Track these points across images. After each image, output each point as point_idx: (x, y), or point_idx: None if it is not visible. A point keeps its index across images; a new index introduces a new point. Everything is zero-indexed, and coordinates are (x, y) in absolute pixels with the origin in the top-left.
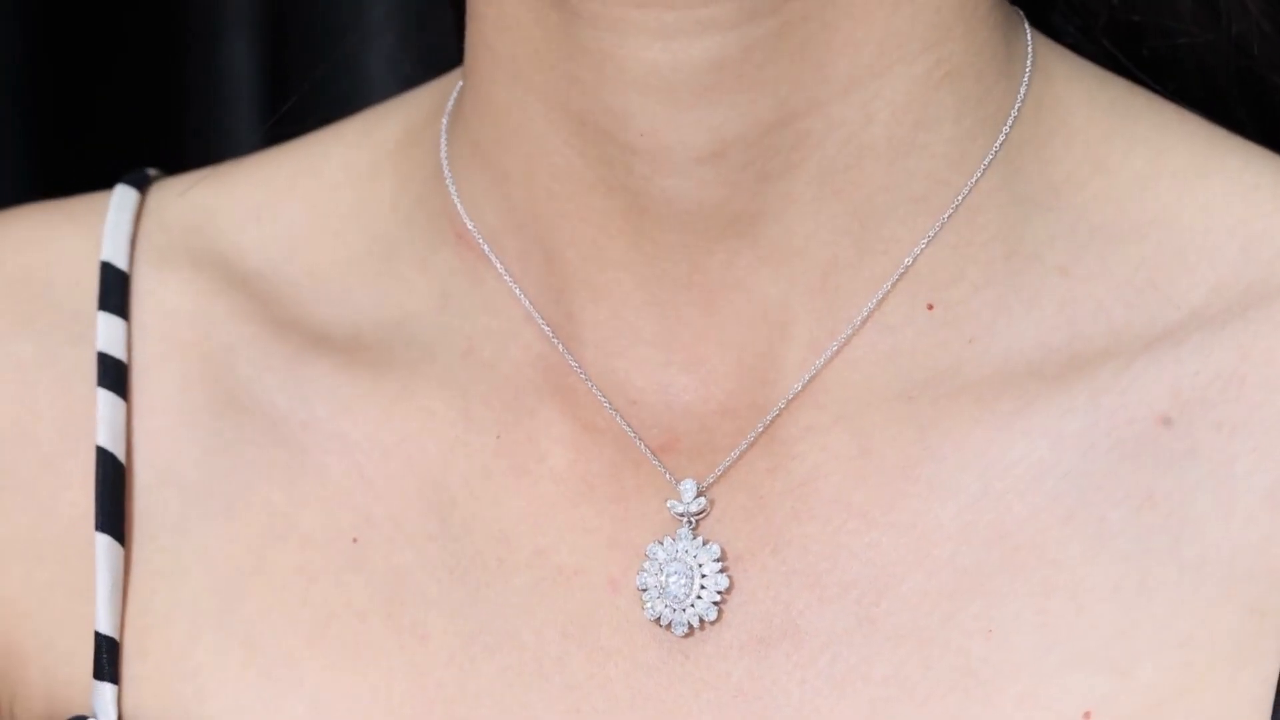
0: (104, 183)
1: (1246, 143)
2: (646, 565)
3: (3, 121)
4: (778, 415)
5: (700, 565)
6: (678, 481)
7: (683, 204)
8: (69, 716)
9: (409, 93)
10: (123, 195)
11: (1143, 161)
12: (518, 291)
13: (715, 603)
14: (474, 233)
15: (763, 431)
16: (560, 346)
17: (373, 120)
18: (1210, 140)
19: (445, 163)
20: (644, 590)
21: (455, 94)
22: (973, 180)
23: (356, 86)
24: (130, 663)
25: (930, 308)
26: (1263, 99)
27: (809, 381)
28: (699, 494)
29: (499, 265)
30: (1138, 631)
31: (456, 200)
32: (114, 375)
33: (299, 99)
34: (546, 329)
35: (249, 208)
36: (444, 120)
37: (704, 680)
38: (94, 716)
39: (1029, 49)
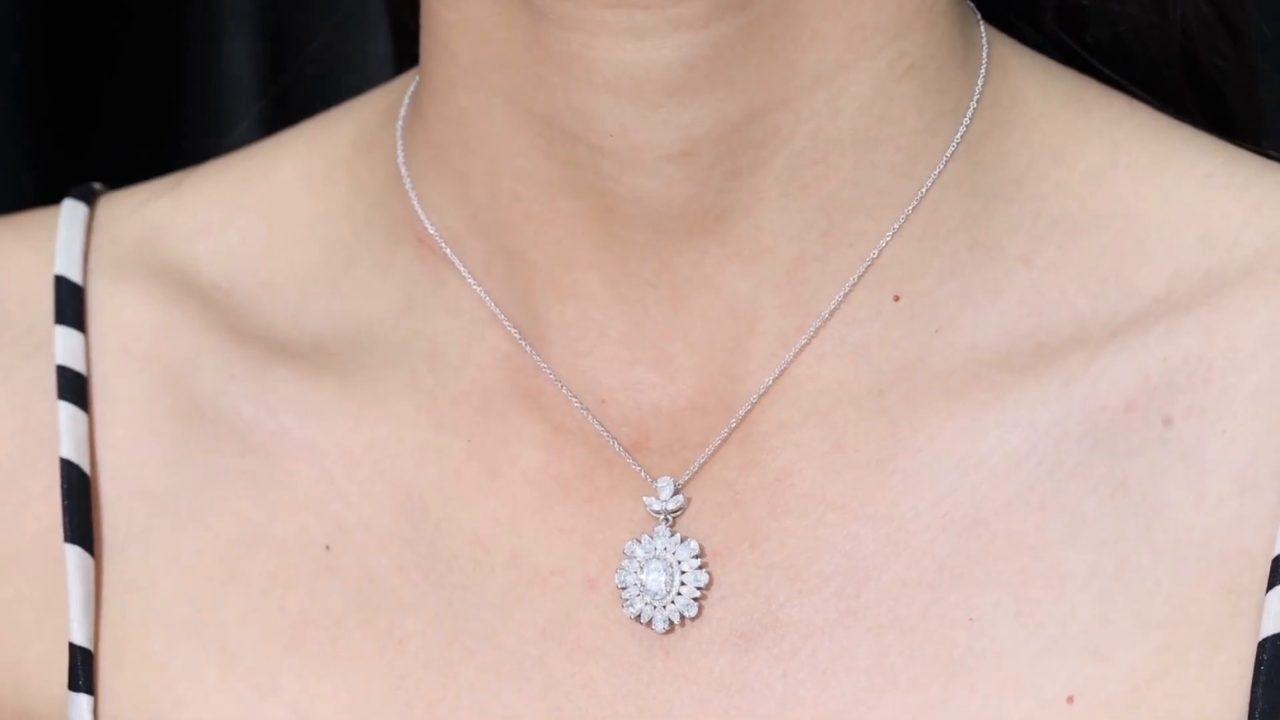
0: (104, 183)
1: (1197, 132)
2: (625, 564)
3: (3, 121)
4: (749, 411)
5: (679, 562)
6: (653, 479)
7: (651, 203)
8: None
9: (358, 98)
10: (72, 209)
11: (1098, 153)
12: (481, 293)
13: (695, 599)
14: (435, 236)
15: (735, 428)
16: (527, 347)
17: (322, 127)
18: (1161, 131)
19: (403, 167)
20: (623, 588)
21: (409, 98)
22: (935, 173)
23: (357, 85)
24: (105, 674)
25: (896, 300)
26: (1207, 83)
27: (779, 376)
28: (676, 491)
29: (461, 268)
30: (1116, 616)
31: (416, 204)
32: (74, 388)
33: (296, 95)
34: (513, 330)
35: (199, 219)
36: (399, 124)
37: (686, 676)
38: None
39: (984, 42)
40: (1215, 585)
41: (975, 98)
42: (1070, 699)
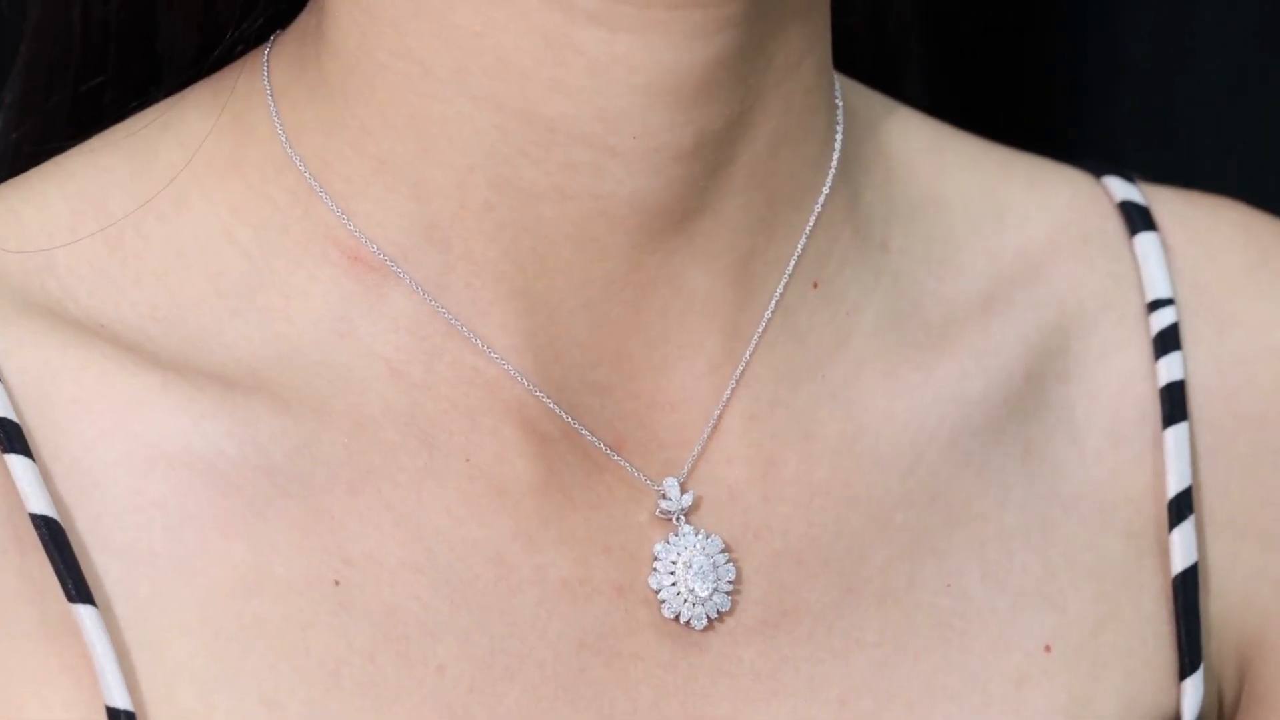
0: None
1: (958, 129)
2: (658, 566)
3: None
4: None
5: (711, 559)
6: (655, 482)
7: (647, 203)
8: None
9: (146, 116)
10: None
11: (900, 144)
12: (438, 307)
13: (728, 593)
14: (377, 252)
15: (711, 423)
16: (501, 360)
17: (138, 148)
18: (924, 120)
19: (315, 183)
20: (658, 591)
21: (274, 114)
22: (833, 163)
23: None
24: None
25: (815, 286)
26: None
27: (741, 370)
28: (684, 490)
29: (412, 284)
30: (1056, 569)
31: (347, 222)
32: (14, 437)
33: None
34: (476, 340)
35: (40, 257)
36: (282, 140)
37: (720, 669)
38: None
39: None
40: (1117, 532)
41: (837, 94)
42: (1048, 648)
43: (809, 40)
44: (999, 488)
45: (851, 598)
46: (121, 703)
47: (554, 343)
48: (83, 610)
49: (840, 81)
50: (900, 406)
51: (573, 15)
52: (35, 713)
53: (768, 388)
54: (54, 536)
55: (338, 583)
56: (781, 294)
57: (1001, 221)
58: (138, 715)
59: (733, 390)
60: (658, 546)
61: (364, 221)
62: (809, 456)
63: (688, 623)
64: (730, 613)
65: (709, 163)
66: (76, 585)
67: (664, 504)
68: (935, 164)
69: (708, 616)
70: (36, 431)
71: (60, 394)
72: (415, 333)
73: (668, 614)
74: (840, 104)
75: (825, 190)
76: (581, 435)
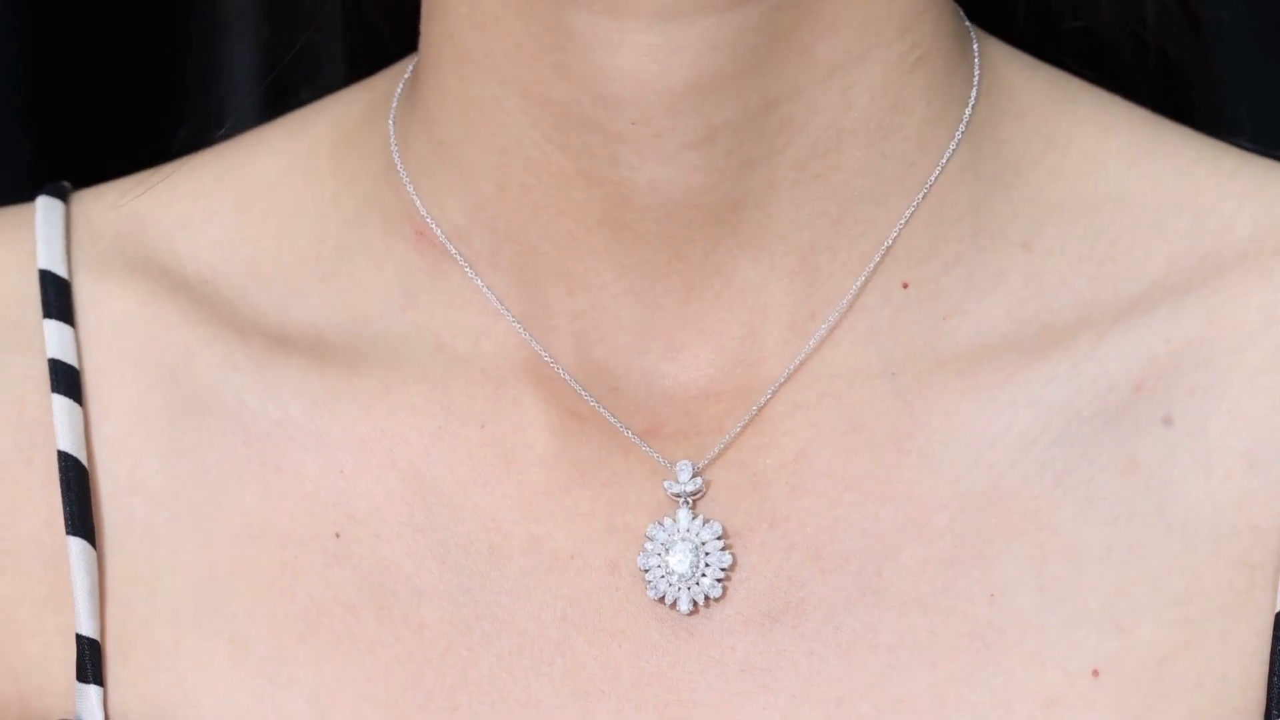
0: (104, 182)
1: (1176, 124)
2: (648, 546)
3: (2, 120)
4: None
5: (703, 543)
6: (672, 463)
7: (669, 192)
8: None
9: (335, 95)
10: (47, 206)
11: (1089, 140)
12: (483, 287)
13: (719, 580)
14: (436, 230)
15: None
16: (531, 340)
17: (301, 123)
18: (1144, 120)
19: (398, 160)
20: (646, 571)
21: (399, 94)
22: (942, 161)
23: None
24: (113, 666)
25: (905, 286)
26: (1170, 74)
27: (793, 363)
28: (695, 474)
29: (463, 262)
30: (1135, 590)
31: (416, 199)
32: (68, 381)
33: (297, 95)
34: (517, 325)
35: (177, 214)
36: (390, 119)
37: (710, 656)
38: (79, 719)
39: (972, 35)
40: (1229, 560)
41: (974, 88)
42: (1095, 672)
43: (867, 40)
44: (1081, 501)
45: (870, 597)
46: (88, 631)
47: (598, 325)
48: (73, 543)
49: (1015, 77)
50: (966, 405)
51: (556, 1)
52: (14, 635)
53: (821, 382)
54: (72, 474)
55: (338, 535)
56: (858, 292)
57: (1196, 225)
58: (103, 645)
59: (781, 383)
60: (650, 527)
61: (428, 201)
62: (848, 449)
63: (673, 605)
64: (728, 601)
65: (735, 154)
66: (76, 520)
67: (669, 486)
68: (1128, 163)
69: (694, 601)
70: (96, 377)
71: (128, 343)
72: (466, 311)
73: (652, 595)
74: (974, 101)
75: (926, 188)
76: (609, 417)
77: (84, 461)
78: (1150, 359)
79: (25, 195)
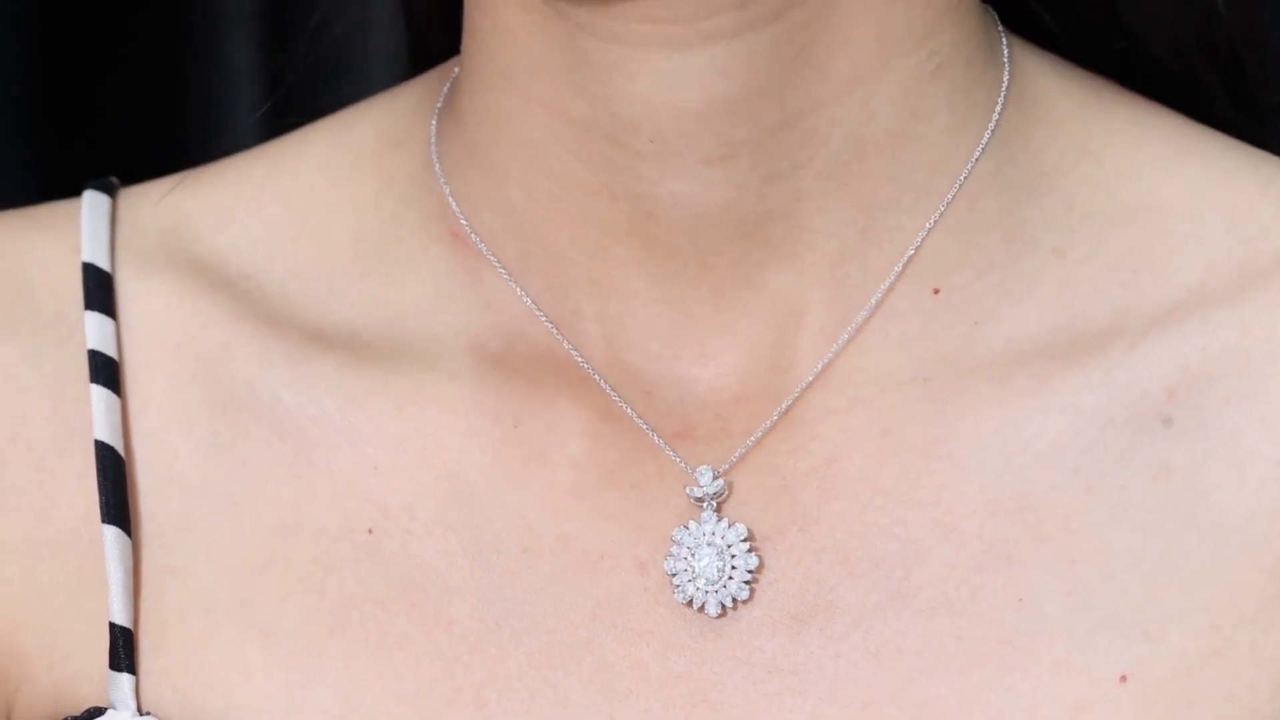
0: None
1: (1214, 130)
2: (674, 550)
3: (2, 121)
4: (794, 400)
5: (729, 546)
6: (697, 468)
7: (691, 206)
8: (85, 708)
9: (380, 95)
10: (94, 200)
11: (1124, 148)
12: (518, 290)
13: (746, 582)
14: (470, 233)
15: (781, 416)
16: (565, 342)
17: (346, 122)
18: (1181, 127)
19: (437, 163)
20: (673, 575)
21: (443, 96)
22: (969, 167)
23: (356, 87)
24: (146, 655)
25: (936, 293)
26: (1235, 75)
27: (825, 367)
28: (717, 477)
29: (497, 265)
30: (1165, 597)
31: (451, 201)
32: (107, 373)
33: (295, 97)
34: (551, 327)
35: (221, 211)
36: (433, 122)
37: (737, 658)
38: (113, 708)
39: (1003, 41)
40: (1260, 568)
41: (1002, 94)
42: (1123, 678)
43: (884, 52)
44: (1113, 506)
45: (898, 602)
46: (122, 619)
47: (629, 331)
48: (108, 531)
49: (1048, 83)
50: (998, 412)
51: (570, 26)
52: (41, 625)
53: (852, 387)
54: (109, 463)
55: (371, 531)
56: (883, 298)
57: (1233, 233)
58: (135, 633)
59: (807, 386)
60: (676, 531)
61: (463, 203)
62: (878, 454)
63: (701, 608)
64: (756, 603)
65: (758, 169)
66: (112, 509)
67: (691, 490)
68: (1164, 170)
69: (721, 604)
70: (136, 369)
71: (168, 338)
72: (501, 313)
73: (680, 598)
74: (1001, 107)
75: (950, 195)
76: (634, 420)
77: (121, 452)
78: (1184, 367)
79: (25, 195)
